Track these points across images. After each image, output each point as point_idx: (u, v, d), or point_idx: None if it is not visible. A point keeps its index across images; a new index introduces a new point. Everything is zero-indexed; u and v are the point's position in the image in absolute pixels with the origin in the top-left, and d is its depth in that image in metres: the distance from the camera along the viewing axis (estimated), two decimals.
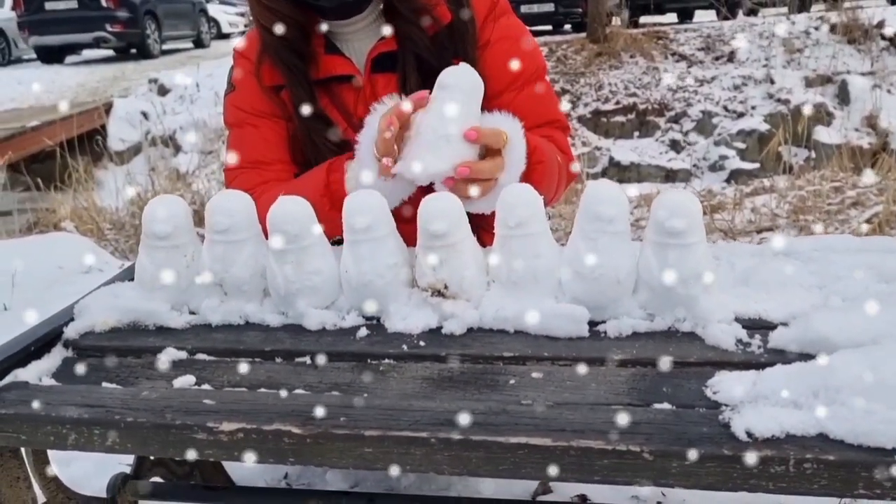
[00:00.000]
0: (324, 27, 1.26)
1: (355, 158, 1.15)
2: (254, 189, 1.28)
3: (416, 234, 1.00)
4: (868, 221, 4.06)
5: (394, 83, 1.29)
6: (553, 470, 0.74)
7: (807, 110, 7.12)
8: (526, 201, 0.96)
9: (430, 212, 0.97)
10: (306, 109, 1.29)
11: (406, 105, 1.06)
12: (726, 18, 9.80)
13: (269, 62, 1.30)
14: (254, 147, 1.34)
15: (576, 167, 1.35)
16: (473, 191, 1.06)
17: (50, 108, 7.67)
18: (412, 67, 1.27)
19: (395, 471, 0.78)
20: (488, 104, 1.28)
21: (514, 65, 1.32)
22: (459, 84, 1.06)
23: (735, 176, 7.17)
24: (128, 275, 1.20)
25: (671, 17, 12.03)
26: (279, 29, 1.25)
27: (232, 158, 1.37)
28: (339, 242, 1.05)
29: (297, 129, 1.32)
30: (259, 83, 1.32)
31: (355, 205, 0.99)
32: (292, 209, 1.00)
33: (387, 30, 1.28)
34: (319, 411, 0.81)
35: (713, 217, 4.49)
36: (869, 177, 4.59)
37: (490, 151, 1.08)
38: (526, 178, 1.12)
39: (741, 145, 7.57)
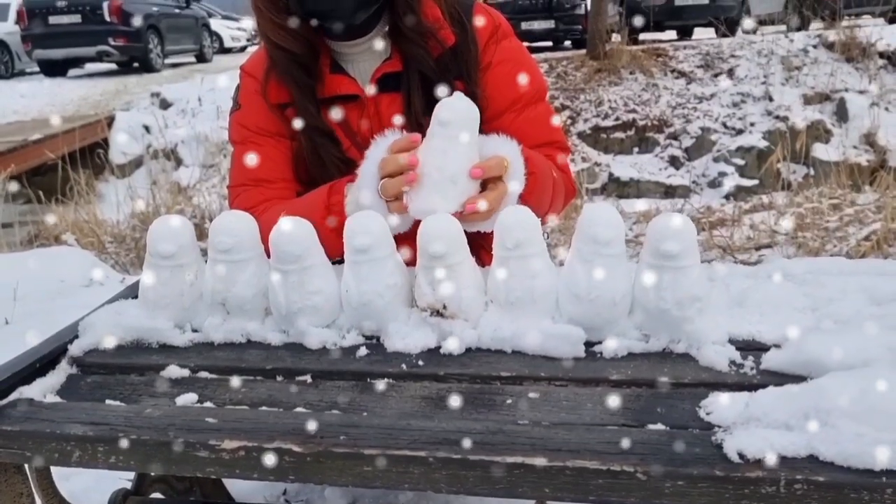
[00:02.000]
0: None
1: (356, 186, 1.16)
2: (256, 207, 1.30)
3: (415, 255, 1.01)
4: (866, 239, 4.07)
5: (398, 103, 1.31)
6: (548, 489, 0.75)
7: (803, 125, 7.17)
8: (523, 223, 0.98)
9: (429, 233, 0.98)
10: (313, 125, 1.31)
11: (404, 156, 1.07)
12: (725, 36, 9.87)
13: (275, 79, 1.32)
14: (258, 165, 1.35)
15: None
16: (480, 220, 1.08)
17: (52, 121, 7.70)
18: (416, 87, 1.30)
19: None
20: (489, 125, 1.31)
21: (515, 87, 1.34)
22: (457, 119, 1.06)
23: (734, 192, 7.20)
24: (131, 292, 1.21)
25: (671, 35, 12.10)
26: (289, 45, 1.27)
27: (235, 176, 1.39)
28: (340, 262, 1.07)
29: (303, 146, 1.34)
30: (265, 101, 1.34)
31: (356, 226, 1.01)
32: (294, 230, 1.01)
33: (379, 44, 1.31)
34: (320, 430, 0.83)
35: (712, 233, 4.51)
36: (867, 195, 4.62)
37: (492, 178, 1.10)
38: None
39: (740, 162, 7.61)
